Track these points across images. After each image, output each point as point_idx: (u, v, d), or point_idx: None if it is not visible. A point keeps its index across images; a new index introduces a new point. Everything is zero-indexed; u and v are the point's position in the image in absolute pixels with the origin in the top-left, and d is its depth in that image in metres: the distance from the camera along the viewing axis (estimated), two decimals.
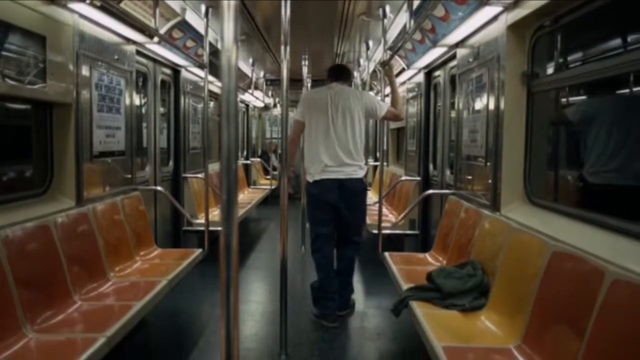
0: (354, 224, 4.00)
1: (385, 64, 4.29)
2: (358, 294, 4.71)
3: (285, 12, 2.92)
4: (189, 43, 4.83)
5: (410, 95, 6.07)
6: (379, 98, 4.27)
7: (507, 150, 3.10)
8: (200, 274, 4.41)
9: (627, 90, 2.96)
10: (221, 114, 1.17)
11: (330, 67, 4.20)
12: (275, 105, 11.21)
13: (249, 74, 8.04)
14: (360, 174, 3.87)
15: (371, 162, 8.65)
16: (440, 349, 2.21)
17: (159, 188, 4.66)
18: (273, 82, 9.63)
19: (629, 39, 2.52)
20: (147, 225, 4.13)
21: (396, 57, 5.09)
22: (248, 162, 9.98)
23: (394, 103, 4.15)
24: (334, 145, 3.76)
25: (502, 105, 3.10)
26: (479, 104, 3.50)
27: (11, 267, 2.34)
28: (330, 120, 3.78)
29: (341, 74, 4.09)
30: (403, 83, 6.33)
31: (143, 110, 4.80)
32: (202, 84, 5.02)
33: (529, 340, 2.21)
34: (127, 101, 3.93)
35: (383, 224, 4.23)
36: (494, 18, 3.16)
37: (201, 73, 4.96)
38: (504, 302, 2.57)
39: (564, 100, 3.16)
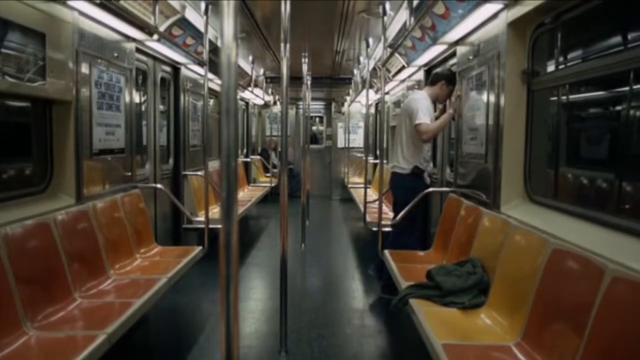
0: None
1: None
2: (358, 292, 4.72)
3: (285, 9, 2.91)
4: (189, 40, 4.82)
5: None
6: (425, 103, 4.17)
7: (507, 148, 3.10)
8: (200, 272, 4.41)
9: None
10: (221, 111, 1.17)
11: None
12: (275, 103, 11.18)
13: (249, 72, 8.02)
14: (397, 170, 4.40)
15: (371, 159, 8.64)
16: (440, 346, 2.22)
17: (158, 186, 4.66)
18: (273, 80, 9.61)
19: (630, 36, 2.51)
20: (147, 222, 4.13)
21: (396, 54, 5.08)
22: (248, 159, 9.97)
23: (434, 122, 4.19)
24: None
25: (502, 103, 3.10)
26: (479, 102, 3.50)
27: (11, 265, 2.35)
28: None
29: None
30: (403, 81, 6.33)
31: (143, 108, 4.79)
32: (201, 81, 5.01)
33: (528, 338, 2.21)
34: (127, 99, 3.92)
35: (383, 222, 4.23)
36: (494, 15, 3.16)
37: (201, 71, 4.95)
38: (504, 300, 2.58)
39: (564, 98, 3.15)
